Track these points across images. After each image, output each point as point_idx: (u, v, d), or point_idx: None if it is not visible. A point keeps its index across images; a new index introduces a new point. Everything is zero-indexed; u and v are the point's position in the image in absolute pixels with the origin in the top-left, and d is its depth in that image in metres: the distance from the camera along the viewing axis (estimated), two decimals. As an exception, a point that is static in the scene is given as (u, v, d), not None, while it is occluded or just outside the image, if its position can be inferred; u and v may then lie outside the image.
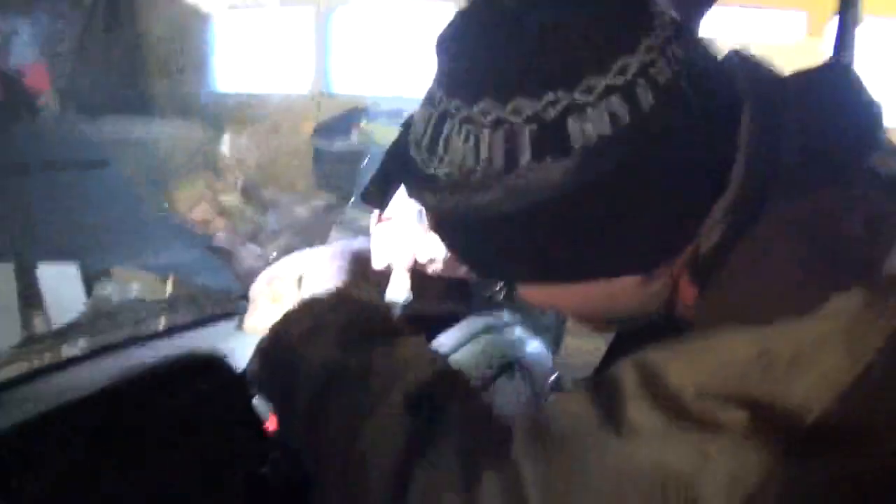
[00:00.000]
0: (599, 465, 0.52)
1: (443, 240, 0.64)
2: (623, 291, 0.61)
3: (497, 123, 0.54)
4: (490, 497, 0.55)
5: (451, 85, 0.56)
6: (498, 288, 0.86)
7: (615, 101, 0.52)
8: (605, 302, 0.63)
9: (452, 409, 0.62)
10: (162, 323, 1.29)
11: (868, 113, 0.61)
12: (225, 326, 1.30)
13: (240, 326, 1.22)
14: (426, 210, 0.62)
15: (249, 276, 1.37)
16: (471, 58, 0.56)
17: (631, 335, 0.65)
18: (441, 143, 0.56)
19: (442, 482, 0.58)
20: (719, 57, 0.60)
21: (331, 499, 0.65)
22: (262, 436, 0.82)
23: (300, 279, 1.22)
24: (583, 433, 0.54)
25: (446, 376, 0.67)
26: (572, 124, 0.52)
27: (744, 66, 0.61)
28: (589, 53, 0.53)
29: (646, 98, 0.53)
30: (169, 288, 1.56)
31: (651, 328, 0.61)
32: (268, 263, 1.31)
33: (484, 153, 0.54)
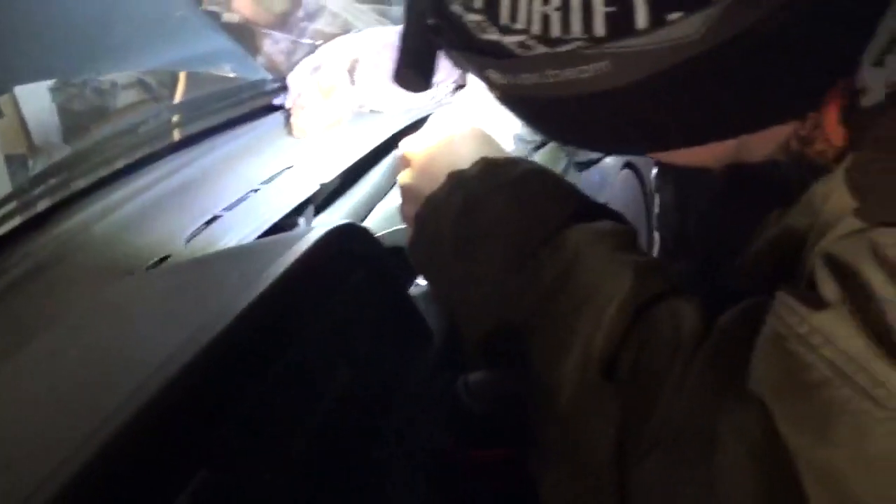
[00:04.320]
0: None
1: (520, 118, 0.51)
2: (764, 137, 0.49)
3: None
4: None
5: None
6: None
7: None
8: (737, 151, 0.51)
9: (670, 367, 0.46)
10: (176, 133, 1.07)
11: None
12: (266, 124, 1.15)
13: (287, 127, 1.08)
14: (490, 88, 0.49)
15: (279, 67, 1.18)
16: None
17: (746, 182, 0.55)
18: (505, 2, 0.42)
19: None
20: None
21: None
22: (430, 336, 0.63)
23: (353, 66, 1.07)
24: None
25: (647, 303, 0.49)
26: None
27: None
28: None
29: None
30: (181, 87, 1.35)
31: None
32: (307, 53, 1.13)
33: (577, 18, 0.40)
